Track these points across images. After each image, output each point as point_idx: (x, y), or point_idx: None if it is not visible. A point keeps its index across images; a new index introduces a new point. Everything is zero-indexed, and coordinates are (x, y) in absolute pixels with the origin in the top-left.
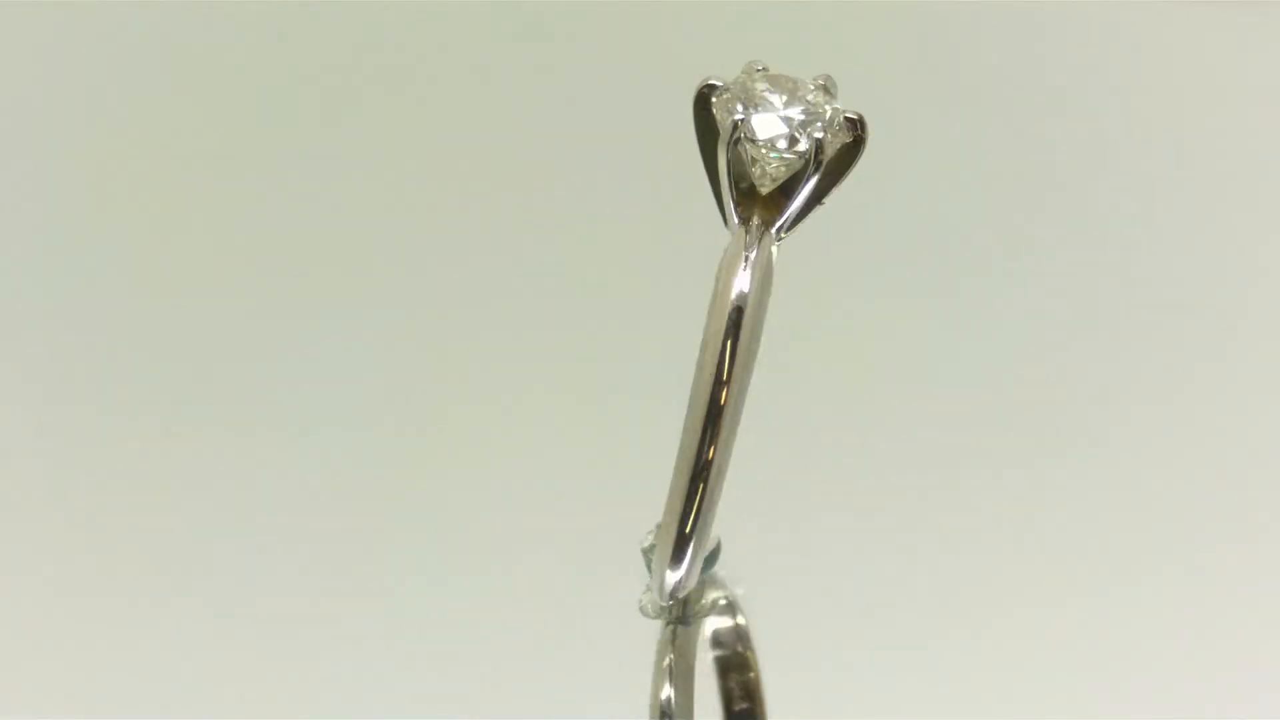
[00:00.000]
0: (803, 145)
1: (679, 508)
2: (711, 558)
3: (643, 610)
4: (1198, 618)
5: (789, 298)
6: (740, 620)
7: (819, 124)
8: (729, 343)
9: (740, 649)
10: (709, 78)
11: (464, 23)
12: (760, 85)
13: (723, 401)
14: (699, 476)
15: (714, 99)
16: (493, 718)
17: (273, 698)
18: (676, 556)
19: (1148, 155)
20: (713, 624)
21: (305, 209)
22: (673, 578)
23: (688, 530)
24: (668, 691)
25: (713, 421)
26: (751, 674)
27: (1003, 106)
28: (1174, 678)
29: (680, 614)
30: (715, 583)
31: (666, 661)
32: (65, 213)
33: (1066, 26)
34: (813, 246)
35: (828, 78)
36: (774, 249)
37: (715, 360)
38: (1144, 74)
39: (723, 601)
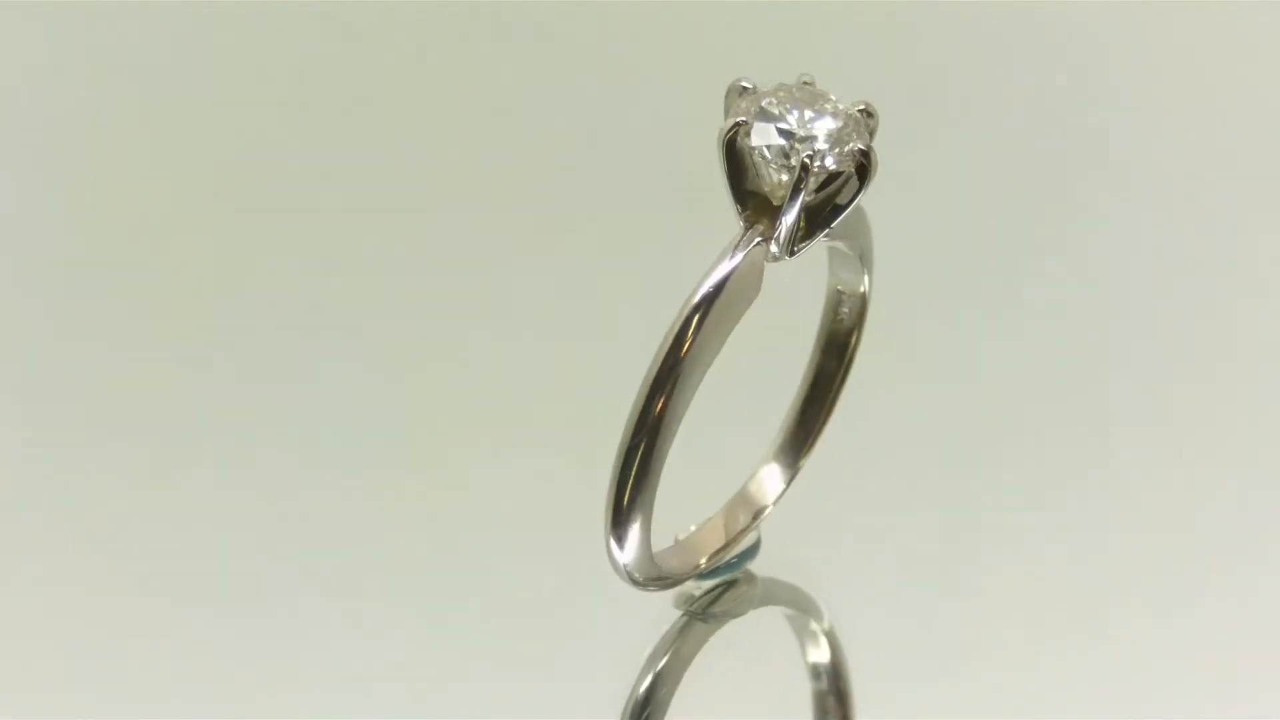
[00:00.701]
0: (792, 161)
1: (617, 474)
2: (747, 554)
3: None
4: None
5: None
6: (835, 653)
7: (815, 146)
8: (695, 317)
9: (835, 683)
10: (743, 78)
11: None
12: (789, 96)
13: (682, 354)
14: (639, 445)
15: (739, 99)
16: (490, 717)
17: (270, 698)
18: (616, 527)
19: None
20: (812, 656)
21: (299, 208)
22: (620, 556)
23: (624, 500)
24: (648, 681)
25: (661, 384)
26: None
27: (1015, 113)
28: None
29: (700, 609)
30: (809, 610)
31: (659, 651)
32: (64, 216)
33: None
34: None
35: (869, 105)
36: (770, 257)
37: (678, 328)
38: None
39: (815, 629)
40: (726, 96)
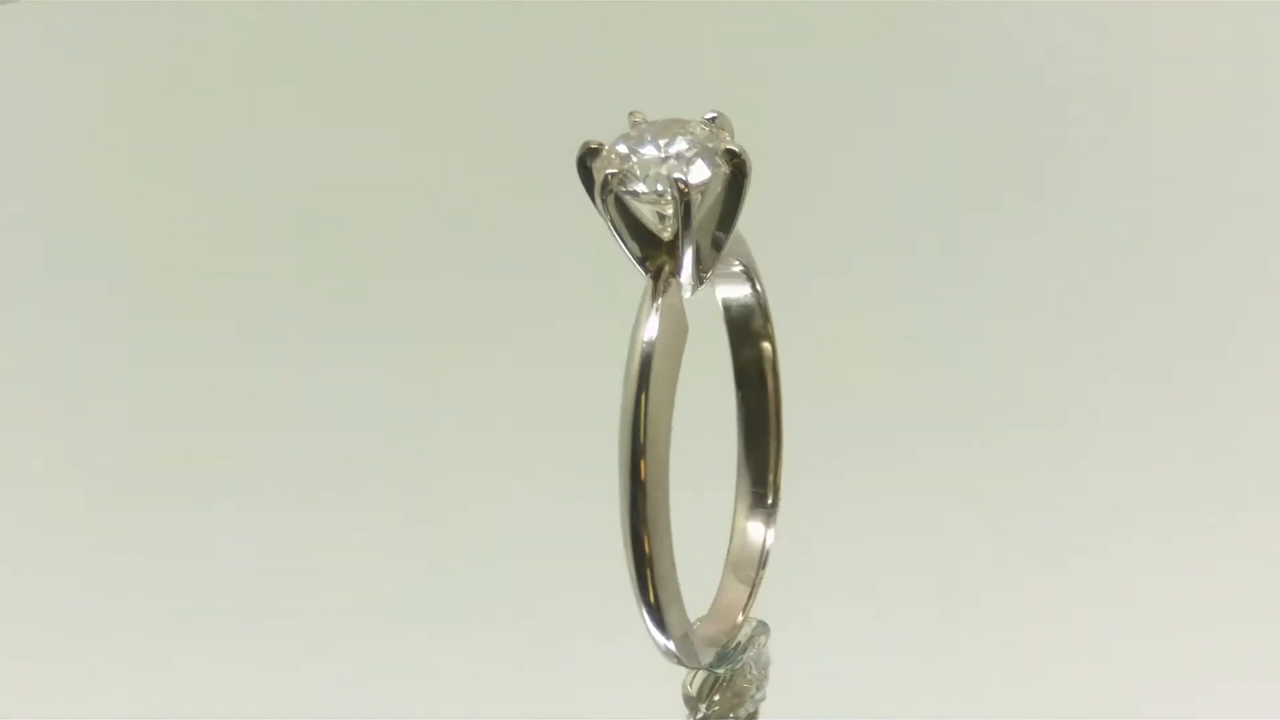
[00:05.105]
0: (665, 191)
1: (632, 560)
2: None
3: None
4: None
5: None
6: None
7: (679, 167)
8: (640, 394)
9: None
10: (588, 141)
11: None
12: (636, 135)
13: (641, 438)
14: (638, 526)
15: (593, 161)
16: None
17: (270, 698)
18: (651, 611)
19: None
20: None
21: (298, 205)
22: (663, 640)
23: (649, 581)
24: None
25: (635, 466)
26: None
27: (991, 95)
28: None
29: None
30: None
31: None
32: (63, 210)
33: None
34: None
35: (719, 114)
36: (686, 293)
37: (631, 409)
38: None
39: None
40: (578, 165)
